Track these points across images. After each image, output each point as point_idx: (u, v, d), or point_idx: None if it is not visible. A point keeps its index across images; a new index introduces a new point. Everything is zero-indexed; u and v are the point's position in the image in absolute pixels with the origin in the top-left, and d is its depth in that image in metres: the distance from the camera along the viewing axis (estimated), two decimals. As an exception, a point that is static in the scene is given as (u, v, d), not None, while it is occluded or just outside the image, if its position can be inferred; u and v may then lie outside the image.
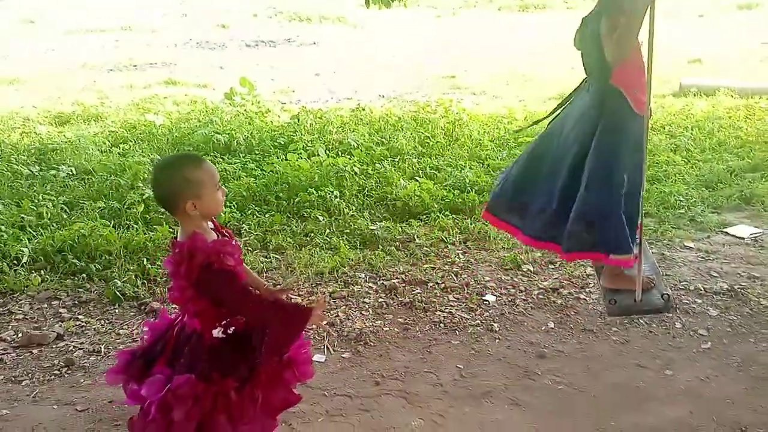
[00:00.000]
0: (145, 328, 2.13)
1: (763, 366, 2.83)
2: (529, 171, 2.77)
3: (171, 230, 4.14)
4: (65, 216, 4.41)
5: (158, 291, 3.56)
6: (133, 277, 3.66)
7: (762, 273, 3.75)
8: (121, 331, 3.19)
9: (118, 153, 5.78)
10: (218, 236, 1.94)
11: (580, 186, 2.54)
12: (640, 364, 2.87)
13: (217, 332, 1.89)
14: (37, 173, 5.25)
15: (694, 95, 8.43)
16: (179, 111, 7.74)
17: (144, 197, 4.55)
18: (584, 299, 3.47)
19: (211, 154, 5.65)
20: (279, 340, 1.88)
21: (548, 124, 2.86)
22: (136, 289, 3.56)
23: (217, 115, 6.82)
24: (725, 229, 4.41)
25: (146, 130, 6.63)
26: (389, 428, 2.42)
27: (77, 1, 23.91)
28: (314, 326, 2.92)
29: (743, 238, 4.26)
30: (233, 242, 1.95)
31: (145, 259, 3.83)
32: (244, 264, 2.09)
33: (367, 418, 2.47)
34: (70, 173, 5.25)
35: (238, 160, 5.58)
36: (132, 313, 3.38)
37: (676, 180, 5.23)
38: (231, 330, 1.92)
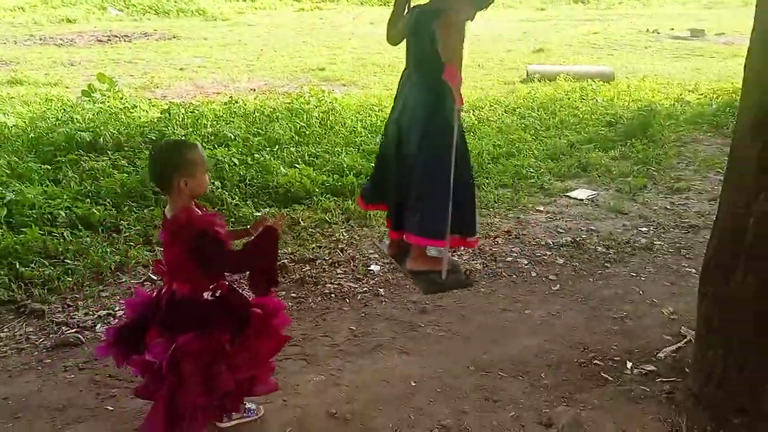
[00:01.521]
0: (124, 306, 2.31)
1: (599, 299, 3.41)
2: (381, 171, 2.93)
3: (41, 232, 3.98)
4: None
5: (36, 292, 3.43)
6: (6, 281, 3.50)
7: (597, 226, 4.43)
8: (2, 334, 3.06)
9: (-32, 157, 5.32)
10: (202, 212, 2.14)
11: (414, 174, 2.64)
12: (504, 308, 3.33)
13: (207, 295, 2.12)
14: None
15: (539, 81, 9.41)
16: (31, 111, 7.20)
17: (6, 201, 4.29)
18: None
19: (75, 152, 5.40)
20: (266, 267, 2.14)
21: (387, 122, 2.90)
22: (11, 293, 3.41)
23: (77, 113, 6.46)
24: (568, 194, 5.10)
25: (-4, 131, 6.14)
26: (293, 386, 2.62)
27: None
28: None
29: (582, 200, 4.97)
30: (217, 216, 2.15)
31: (17, 262, 3.66)
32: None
33: (271, 381, 2.66)
34: None
35: (106, 158, 5.38)
36: (11, 317, 3.24)
37: (526, 155, 5.91)
38: (218, 293, 2.15)
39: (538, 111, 7.46)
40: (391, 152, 2.80)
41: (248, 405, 2.42)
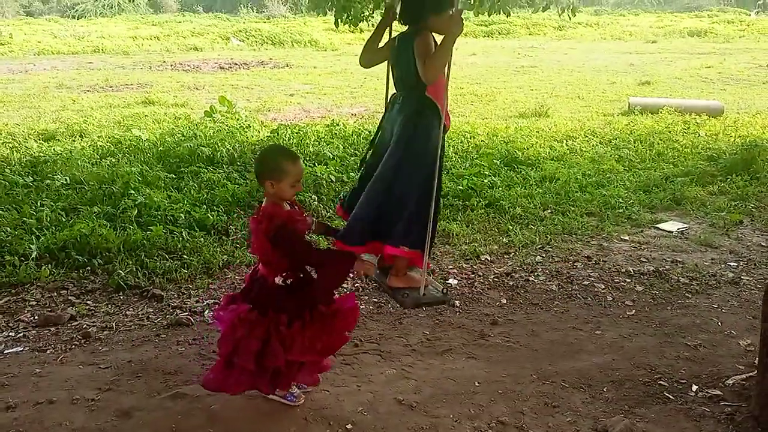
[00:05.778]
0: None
1: (674, 326, 3.41)
2: (362, 183, 2.90)
3: (165, 230, 4.58)
4: (64, 219, 4.79)
5: (157, 280, 3.98)
6: (134, 269, 4.08)
7: (684, 258, 4.37)
8: (128, 312, 3.61)
9: (108, 165, 6.17)
10: (291, 208, 2.46)
11: (390, 186, 2.70)
12: (575, 327, 3.42)
13: (278, 280, 2.44)
14: (31, 183, 5.60)
15: (640, 113, 9.23)
16: (161, 128, 8.15)
17: (137, 203, 4.97)
18: (533, 281, 4.02)
19: (196, 165, 6.10)
20: (331, 278, 2.44)
21: (372, 142, 3.00)
22: (137, 279, 3.98)
23: (200, 131, 7.26)
24: (657, 225, 5.04)
25: (131, 144, 7.04)
26: (367, 375, 2.89)
27: (43, 24, 23.99)
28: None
29: (672, 232, 4.90)
30: (303, 214, 2.48)
31: (143, 254, 4.26)
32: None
33: (348, 369, 2.94)
34: (64, 183, 5.62)
35: (222, 171, 6.04)
36: (135, 299, 3.80)
37: (617, 185, 5.89)
38: (289, 281, 2.45)
39: (634, 143, 7.36)
40: (374, 171, 2.81)
41: (293, 390, 2.62)
